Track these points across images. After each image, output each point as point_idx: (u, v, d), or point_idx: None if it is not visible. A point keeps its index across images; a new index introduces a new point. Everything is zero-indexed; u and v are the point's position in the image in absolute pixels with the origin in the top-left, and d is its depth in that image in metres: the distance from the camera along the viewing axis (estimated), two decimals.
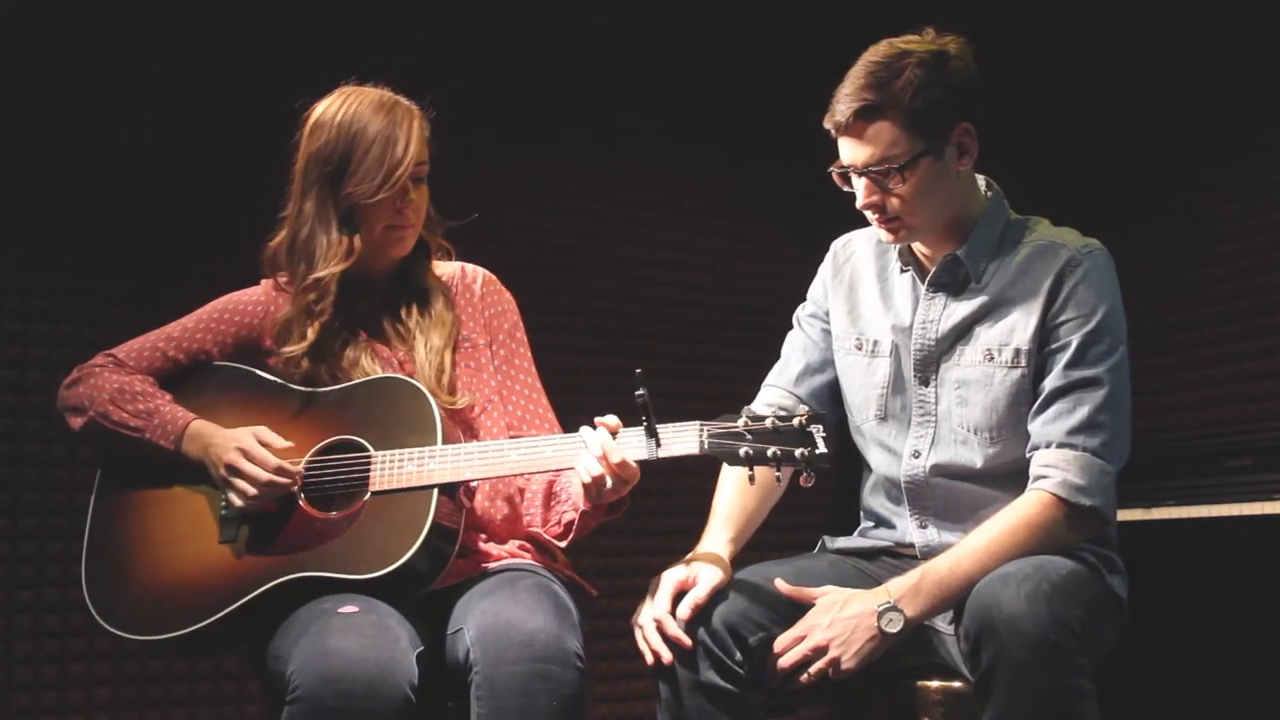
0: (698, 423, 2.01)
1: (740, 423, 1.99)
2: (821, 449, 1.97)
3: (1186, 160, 4.05)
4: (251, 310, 2.31)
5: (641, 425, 2.01)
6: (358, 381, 2.20)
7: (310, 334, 2.21)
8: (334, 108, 2.24)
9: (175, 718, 3.24)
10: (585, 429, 2.05)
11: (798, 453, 1.97)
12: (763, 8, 4.32)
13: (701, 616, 2.07)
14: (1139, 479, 3.18)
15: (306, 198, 2.24)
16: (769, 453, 1.97)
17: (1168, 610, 3.41)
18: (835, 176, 2.19)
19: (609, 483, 2.00)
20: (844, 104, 2.12)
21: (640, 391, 1.95)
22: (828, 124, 2.16)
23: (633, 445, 2.01)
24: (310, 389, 2.22)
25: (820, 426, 1.98)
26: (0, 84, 3.20)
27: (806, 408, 2.02)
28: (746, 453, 1.98)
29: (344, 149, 2.19)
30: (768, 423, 1.99)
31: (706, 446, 2.00)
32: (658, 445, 2.01)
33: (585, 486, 2.02)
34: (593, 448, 2.00)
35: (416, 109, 2.26)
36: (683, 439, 2.01)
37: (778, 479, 2.03)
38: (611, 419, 2.03)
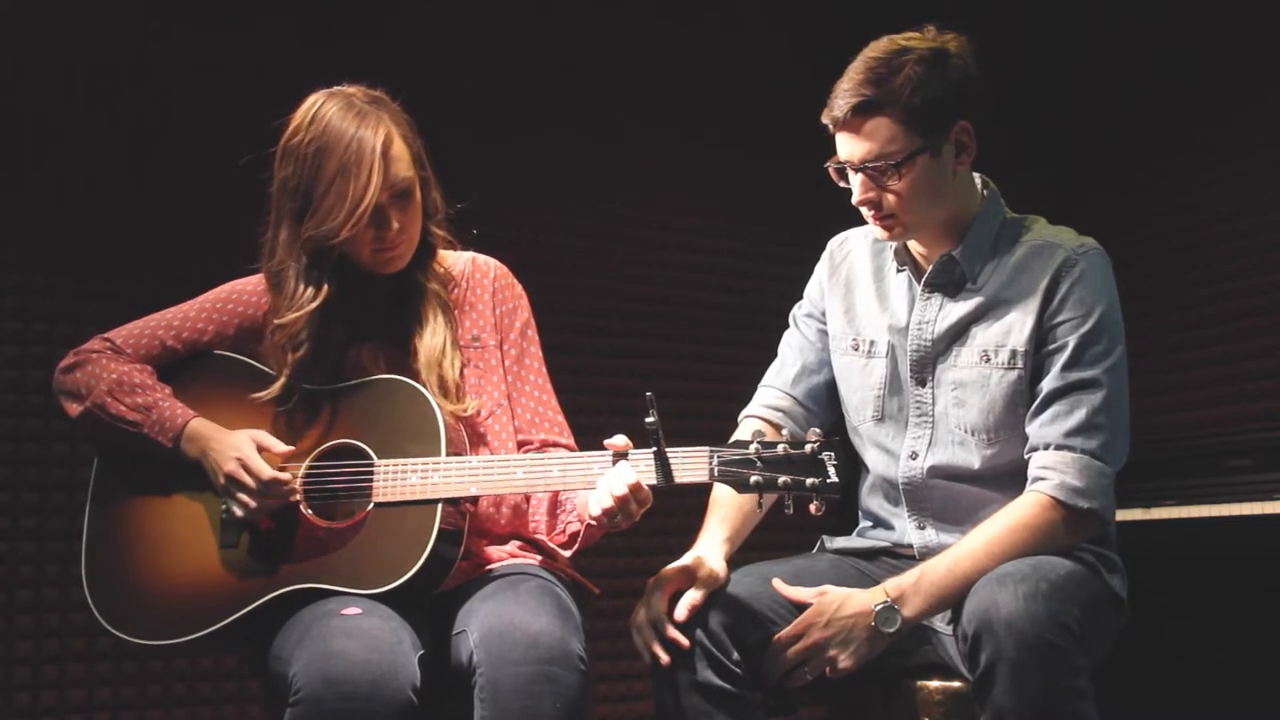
0: (708, 449, 1.98)
1: (751, 449, 1.97)
2: (833, 478, 1.94)
3: (1185, 159, 4.04)
4: (254, 300, 2.28)
5: (651, 450, 1.97)
6: (360, 381, 2.18)
7: (286, 374, 2.16)
8: (300, 133, 2.14)
9: (175, 718, 3.24)
10: (593, 457, 2.02)
11: (809, 482, 1.94)
12: (764, 7, 4.32)
13: (699, 617, 2.07)
14: (1139, 479, 3.18)
15: (281, 227, 2.19)
16: (780, 481, 1.95)
17: (1167, 610, 3.40)
18: (831, 172, 2.19)
19: (619, 516, 1.99)
20: (842, 99, 2.11)
21: (651, 419, 1.92)
22: (825, 119, 2.15)
23: (641, 472, 1.98)
24: (310, 385, 2.19)
25: (832, 454, 1.95)
26: (0, 84, 3.20)
27: (819, 432, 1.98)
28: (757, 481, 1.96)
29: (306, 184, 2.11)
30: (779, 449, 1.96)
31: (716, 474, 1.98)
32: (668, 477, 1.97)
33: (596, 519, 2.01)
34: (608, 484, 1.98)
35: (389, 119, 2.14)
36: (693, 468, 1.98)
37: (786, 508, 2.00)
38: (620, 439, 2.01)
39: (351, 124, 2.11)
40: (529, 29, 3.92)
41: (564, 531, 2.20)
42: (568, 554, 2.22)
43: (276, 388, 2.16)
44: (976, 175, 2.27)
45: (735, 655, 2.07)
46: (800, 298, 2.46)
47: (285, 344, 2.17)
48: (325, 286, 2.16)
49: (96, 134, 3.30)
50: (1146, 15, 4.10)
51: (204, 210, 3.28)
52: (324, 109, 2.14)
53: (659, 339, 4.07)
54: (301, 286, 2.16)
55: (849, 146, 2.14)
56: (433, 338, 2.21)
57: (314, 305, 2.15)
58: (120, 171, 3.31)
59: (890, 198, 2.14)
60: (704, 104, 4.15)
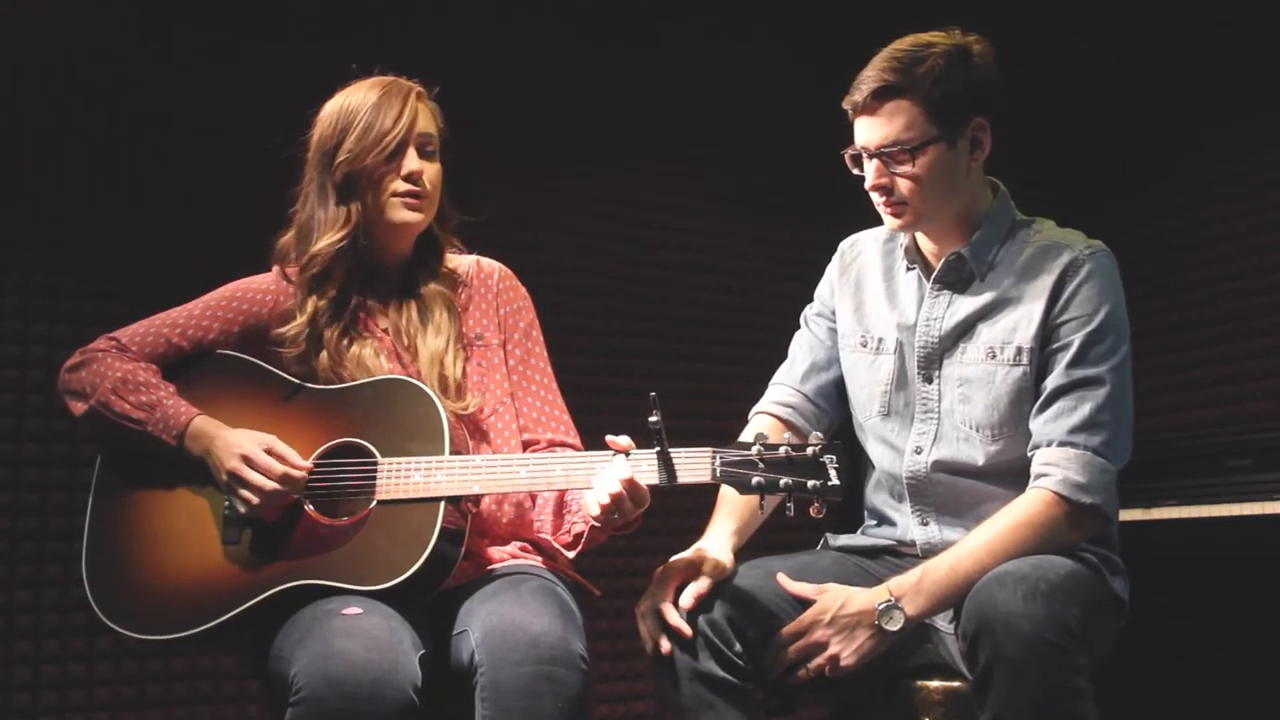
0: (710, 449, 1.99)
1: (753, 450, 1.98)
2: (834, 481, 1.95)
3: (1187, 160, 4.05)
4: (260, 299, 2.29)
5: (654, 449, 1.98)
6: (364, 381, 2.18)
7: (310, 308, 2.21)
8: (334, 100, 2.26)
9: (175, 718, 3.24)
10: (596, 456, 2.03)
11: (810, 484, 1.96)
12: (766, 10, 4.32)
13: (703, 606, 2.08)
14: (1139, 479, 3.18)
15: (310, 185, 2.26)
16: (781, 483, 1.97)
17: (1167, 610, 3.40)
18: (847, 159, 2.21)
19: (616, 514, 2.00)
20: (865, 84, 2.15)
21: (654, 418, 1.93)
22: (846, 104, 2.19)
23: (644, 471, 2.00)
24: (314, 385, 2.20)
25: (834, 457, 1.97)
26: (1, 85, 3.20)
27: (820, 435, 2.00)
28: (758, 482, 1.97)
29: (341, 128, 2.22)
30: (781, 451, 1.98)
31: (719, 475, 1.99)
32: (670, 476, 1.98)
33: (597, 518, 2.02)
34: (604, 482, 1.99)
35: (419, 88, 2.27)
36: (695, 467, 1.99)
37: (787, 510, 2.00)
38: (623, 439, 2.02)
39: (385, 82, 2.26)
40: (529, 29, 3.92)
41: (569, 532, 2.21)
42: (572, 555, 2.21)
43: (303, 320, 2.20)
44: (988, 176, 2.28)
45: (737, 647, 2.07)
46: (801, 297, 2.48)
47: (313, 279, 2.21)
48: (354, 212, 2.21)
49: (96, 134, 3.30)
50: (1148, 15, 4.10)
51: (204, 210, 3.28)
52: (356, 85, 2.27)
53: (659, 339, 4.07)
54: (334, 210, 2.22)
55: (867, 131, 2.16)
56: (436, 336, 2.23)
57: (348, 229, 2.21)
58: (120, 171, 3.31)
59: (903, 184, 2.16)
60: (705, 104, 4.15)
